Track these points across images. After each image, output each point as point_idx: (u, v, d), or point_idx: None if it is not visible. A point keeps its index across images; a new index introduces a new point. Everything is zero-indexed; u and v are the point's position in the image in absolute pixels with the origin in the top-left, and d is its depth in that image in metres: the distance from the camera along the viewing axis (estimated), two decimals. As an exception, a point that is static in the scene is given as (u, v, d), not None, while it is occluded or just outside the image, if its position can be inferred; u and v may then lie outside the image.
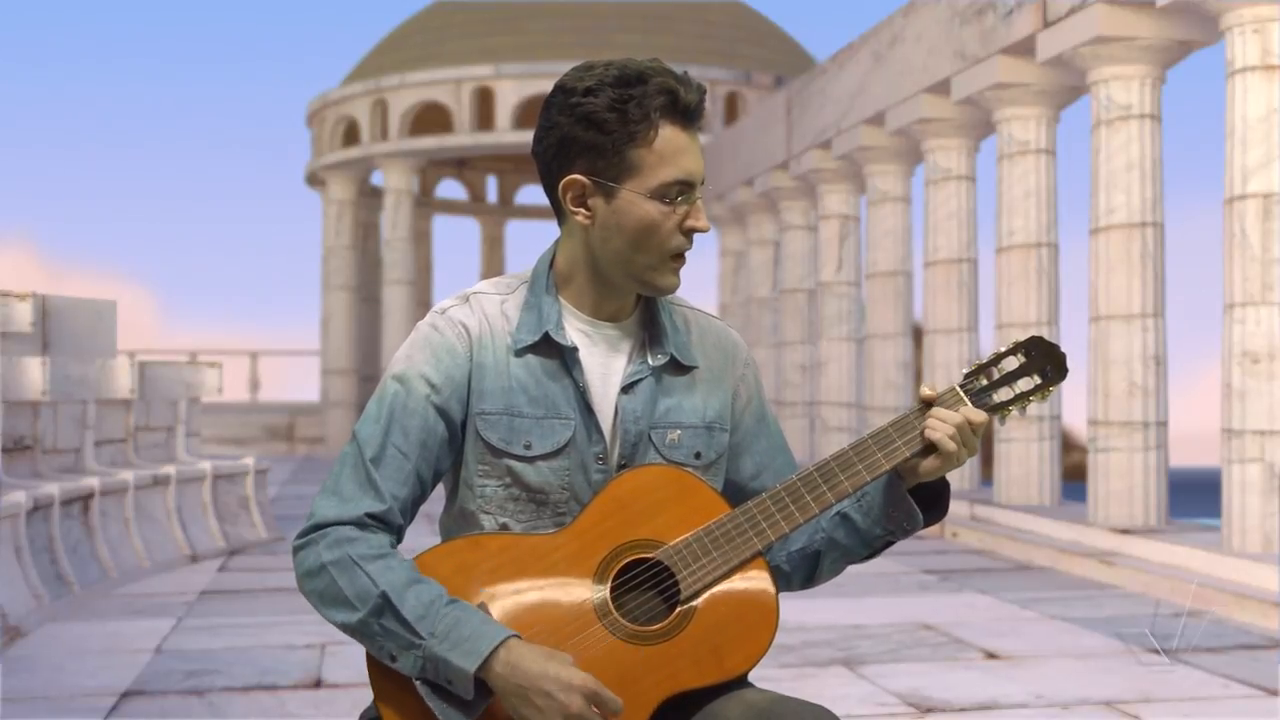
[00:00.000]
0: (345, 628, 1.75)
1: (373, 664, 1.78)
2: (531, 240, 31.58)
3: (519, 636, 1.70)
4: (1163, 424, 8.33)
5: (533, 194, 25.15)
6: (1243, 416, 7.07)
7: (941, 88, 10.33)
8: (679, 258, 1.84)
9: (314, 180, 22.18)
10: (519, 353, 1.85)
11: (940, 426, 1.80)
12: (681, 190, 1.80)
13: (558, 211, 1.87)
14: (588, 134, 1.78)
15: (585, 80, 1.79)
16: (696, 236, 1.84)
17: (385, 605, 1.72)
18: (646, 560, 1.78)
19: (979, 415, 1.81)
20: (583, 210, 1.83)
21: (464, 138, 19.16)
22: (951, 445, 1.79)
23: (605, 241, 1.83)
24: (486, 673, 1.67)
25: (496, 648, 1.67)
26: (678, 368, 1.91)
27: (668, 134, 1.79)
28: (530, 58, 18.88)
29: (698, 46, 19.32)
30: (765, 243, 15.56)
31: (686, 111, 1.80)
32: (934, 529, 9.45)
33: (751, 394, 1.98)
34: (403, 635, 1.71)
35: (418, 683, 1.71)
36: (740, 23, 20.80)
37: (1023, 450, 9.56)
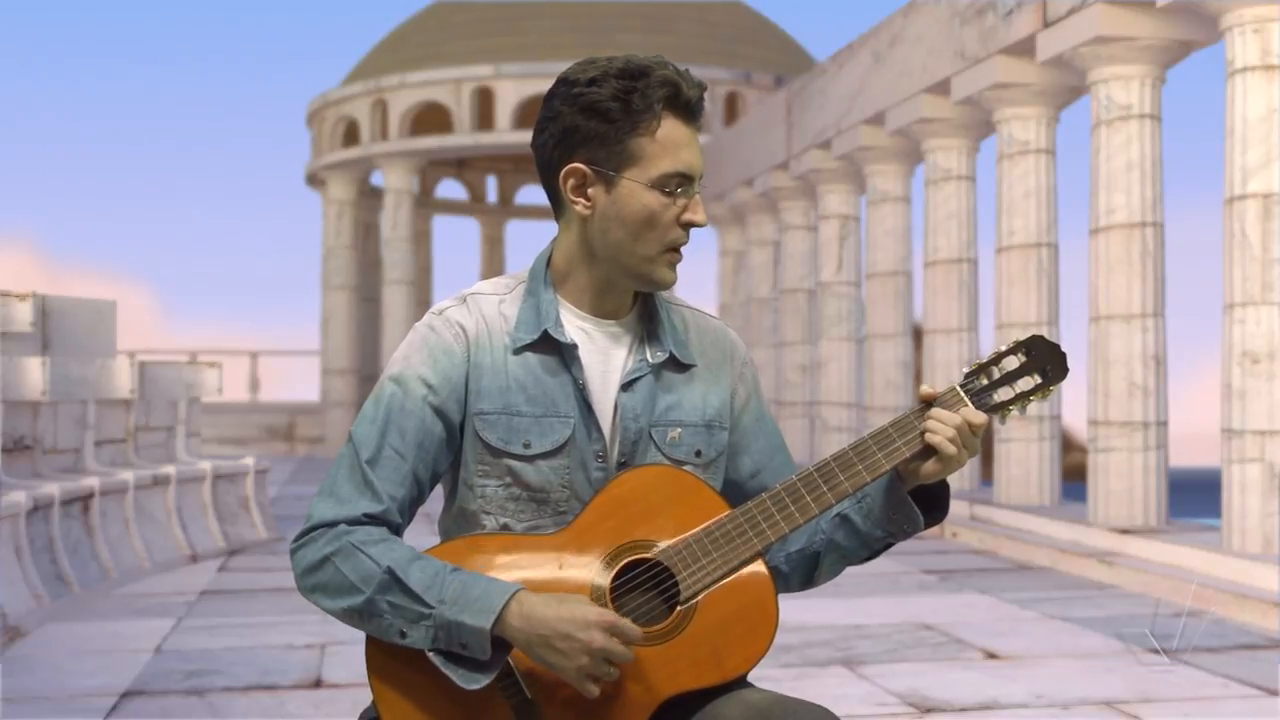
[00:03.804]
0: (350, 613, 1.75)
1: (372, 662, 1.78)
2: (531, 240, 31.61)
3: (526, 589, 1.71)
4: (1163, 424, 8.33)
5: (532, 194, 25.16)
6: (1243, 416, 7.07)
7: (941, 88, 10.33)
8: (675, 252, 1.84)
9: (314, 180, 22.18)
10: (517, 351, 1.85)
11: (940, 429, 1.79)
12: (681, 183, 1.81)
13: (556, 203, 1.87)
14: (590, 123, 1.79)
15: (589, 72, 1.80)
16: (697, 234, 1.84)
17: (391, 581, 1.72)
18: (646, 560, 1.77)
19: (979, 417, 1.81)
20: (582, 200, 1.83)
21: (464, 138, 19.16)
22: (951, 449, 1.79)
23: (605, 232, 1.83)
24: (503, 628, 1.68)
25: (508, 601, 1.68)
26: (677, 365, 1.90)
27: (669, 126, 1.80)
28: (530, 58, 18.88)
29: (698, 46, 19.32)
30: (765, 243, 15.55)
31: (688, 106, 1.81)
32: (934, 529, 9.45)
33: (750, 393, 1.98)
34: (411, 608, 1.71)
35: (431, 654, 1.71)
36: (740, 23, 20.80)
37: (1023, 450, 9.56)
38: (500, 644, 1.70)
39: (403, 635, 1.72)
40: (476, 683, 1.69)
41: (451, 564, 1.75)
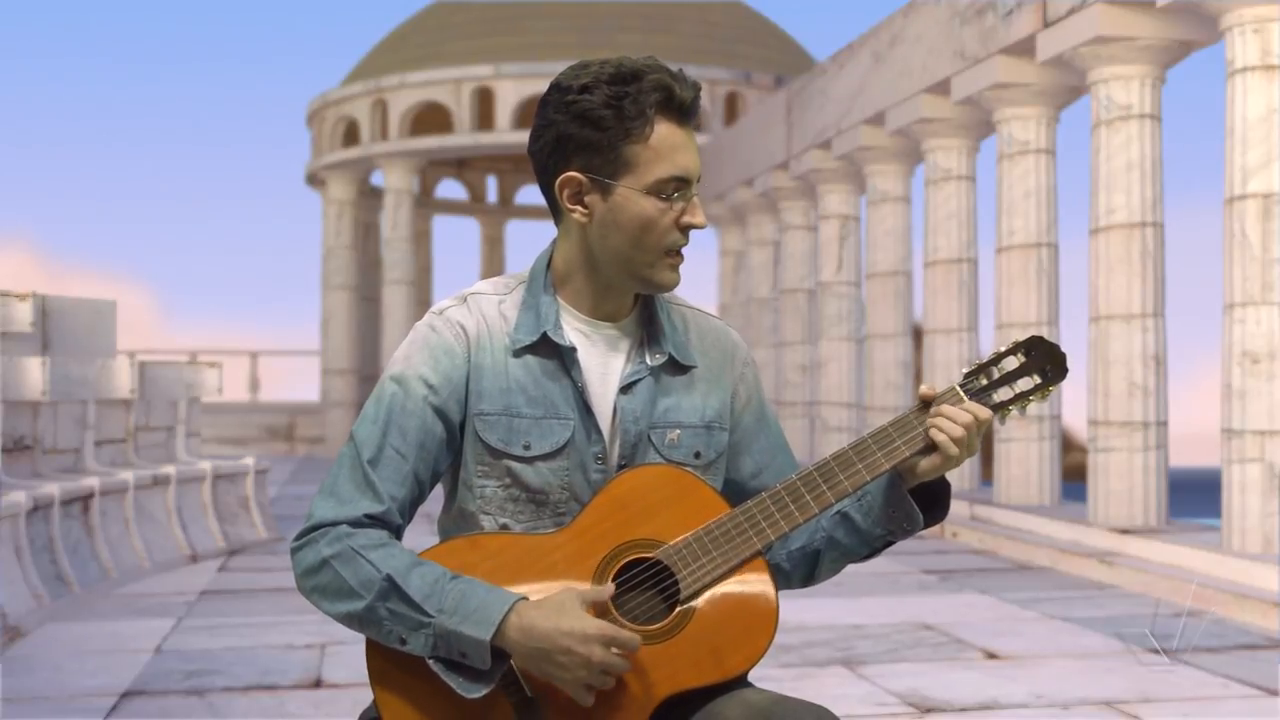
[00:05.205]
0: (350, 617, 1.75)
1: (372, 663, 1.78)
2: (531, 240, 31.60)
3: (525, 599, 1.71)
4: (1163, 424, 8.33)
5: (533, 194, 25.14)
6: (1243, 416, 7.07)
7: (941, 88, 10.33)
8: (676, 254, 1.84)
9: (314, 180, 22.18)
10: (517, 353, 1.85)
11: (948, 427, 1.79)
12: (678, 186, 1.80)
13: (554, 210, 1.87)
14: (584, 131, 1.78)
15: (581, 78, 1.79)
16: (696, 234, 1.84)
17: (391, 588, 1.72)
18: (646, 560, 1.77)
19: (984, 412, 1.81)
20: (579, 208, 1.82)
21: (464, 138, 19.16)
22: (954, 449, 1.79)
23: (603, 239, 1.82)
24: (501, 639, 1.68)
25: (507, 613, 1.68)
26: (676, 367, 1.90)
27: (663, 131, 1.79)
28: (530, 58, 18.88)
29: (698, 46, 19.31)
30: (765, 243, 15.56)
31: (682, 108, 1.80)
32: (934, 529, 9.45)
33: (751, 393, 1.98)
34: (411, 615, 1.71)
35: (431, 661, 1.71)
36: (740, 23, 20.79)
37: (1023, 450, 9.56)
38: (500, 653, 1.70)
39: (402, 642, 1.72)
40: (476, 691, 1.70)
41: (451, 570, 1.75)
